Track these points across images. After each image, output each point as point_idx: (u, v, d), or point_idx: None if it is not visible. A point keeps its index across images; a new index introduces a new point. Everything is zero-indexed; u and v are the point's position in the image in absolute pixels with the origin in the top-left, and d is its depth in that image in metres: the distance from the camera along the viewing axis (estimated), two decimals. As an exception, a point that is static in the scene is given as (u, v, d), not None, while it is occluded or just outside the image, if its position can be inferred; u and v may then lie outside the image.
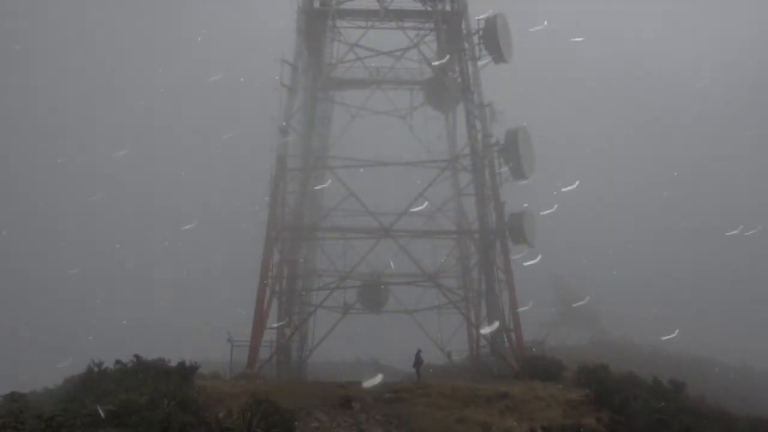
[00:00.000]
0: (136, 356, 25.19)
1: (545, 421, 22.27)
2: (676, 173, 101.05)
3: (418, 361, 32.20)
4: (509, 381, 29.43)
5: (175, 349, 27.80)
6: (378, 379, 28.38)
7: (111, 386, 21.93)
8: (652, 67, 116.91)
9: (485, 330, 36.26)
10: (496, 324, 35.14)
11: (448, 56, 40.18)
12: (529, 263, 35.25)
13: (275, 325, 35.75)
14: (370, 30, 41.10)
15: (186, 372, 24.88)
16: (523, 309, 34.22)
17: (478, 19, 39.34)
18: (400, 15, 40.41)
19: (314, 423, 22.19)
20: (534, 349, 34.31)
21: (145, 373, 23.56)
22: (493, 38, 38.67)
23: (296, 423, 20.95)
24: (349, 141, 43.56)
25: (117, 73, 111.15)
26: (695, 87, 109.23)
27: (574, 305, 61.96)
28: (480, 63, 39.37)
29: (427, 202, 39.06)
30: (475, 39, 39.38)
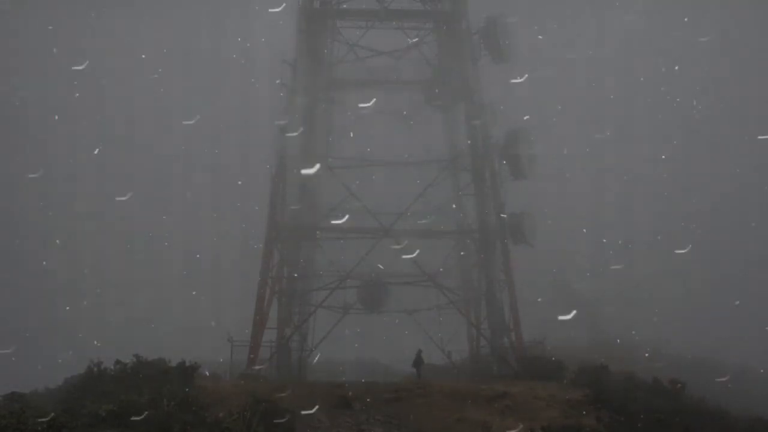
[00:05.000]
0: (136, 356, 25.19)
1: (545, 421, 22.28)
2: (665, 175, 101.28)
3: (418, 361, 32.22)
4: (509, 381, 29.45)
5: (175, 349, 27.82)
6: None
7: (111, 386, 21.95)
8: (652, 67, 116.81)
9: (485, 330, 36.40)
10: (496, 324, 35.26)
11: (448, 56, 40.21)
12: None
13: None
14: (370, 30, 41.12)
15: (186, 372, 24.89)
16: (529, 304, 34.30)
17: (479, 20, 39.37)
18: (400, 15, 40.37)
19: (314, 423, 22.20)
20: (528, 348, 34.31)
21: (145, 373, 23.57)
22: (493, 38, 38.67)
23: (296, 423, 20.96)
24: (349, 141, 43.56)
25: (116, 72, 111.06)
26: (695, 88, 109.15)
27: (574, 305, 62.02)
28: (480, 63, 39.38)
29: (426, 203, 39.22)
30: (475, 39, 39.38)
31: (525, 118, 38.77)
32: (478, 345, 39.16)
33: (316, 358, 39.73)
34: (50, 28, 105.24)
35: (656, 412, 22.42)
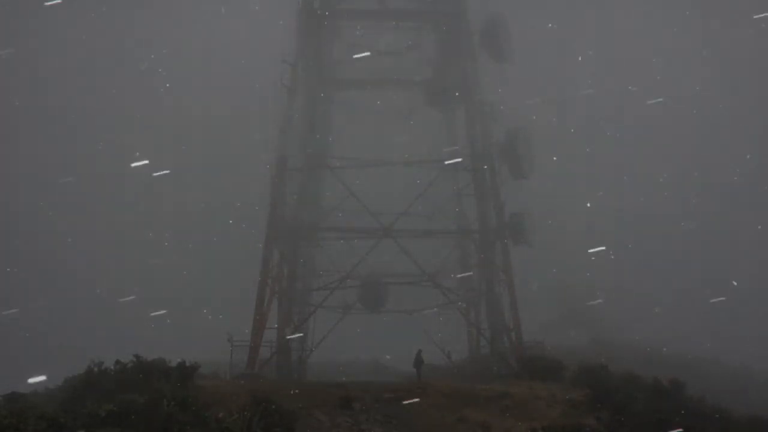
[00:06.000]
0: (136, 356, 25.16)
1: (545, 421, 22.30)
2: (665, 175, 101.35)
3: (418, 361, 32.23)
4: (509, 381, 29.46)
5: (175, 349, 27.81)
6: None
7: (111, 386, 21.95)
8: (652, 67, 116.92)
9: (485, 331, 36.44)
10: (496, 324, 35.30)
11: (448, 56, 40.24)
12: None
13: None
14: (370, 30, 41.15)
15: (186, 372, 24.86)
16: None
17: (479, 20, 39.38)
18: (400, 15, 40.43)
19: (314, 423, 22.20)
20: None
21: (145, 373, 23.56)
22: (494, 38, 38.68)
23: (296, 423, 20.96)
24: (349, 141, 43.54)
25: (116, 72, 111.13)
26: (695, 88, 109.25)
27: (574, 305, 62.11)
28: (480, 63, 39.39)
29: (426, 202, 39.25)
30: (475, 39, 39.38)
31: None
32: (478, 345, 39.17)
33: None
34: (49, 26, 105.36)
35: (656, 412, 22.43)
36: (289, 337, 36.56)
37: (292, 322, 37.99)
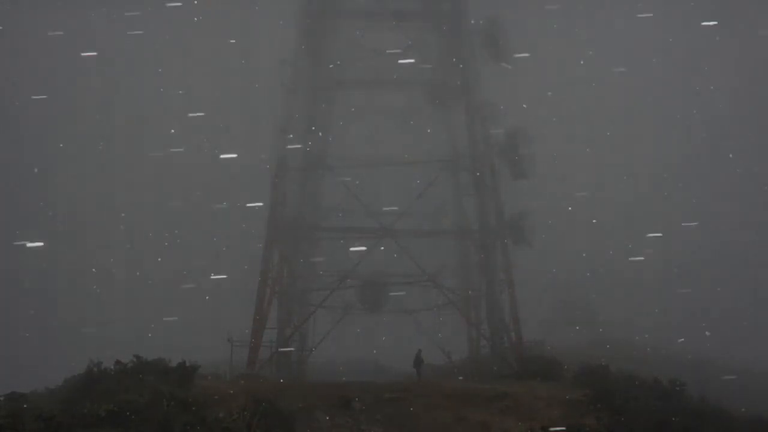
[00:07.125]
0: (136, 356, 25.18)
1: (545, 421, 22.31)
2: (665, 174, 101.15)
3: (418, 361, 32.24)
4: (509, 381, 29.46)
5: (175, 349, 27.81)
6: None
7: (111, 386, 21.96)
8: (652, 67, 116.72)
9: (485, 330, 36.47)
10: (496, 324, 35.32)
11: (448, 56, 40.26)
12: None
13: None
14: (370, 30, 41.16)
15: (186, 372, 24.89)
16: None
17: (479, 20, 39.41)
18: (401, 15, 40.41)
19: (314, 423, 22.22)
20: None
21: (145, 373, 23.59)
22: (494, 38, 38.69)
23: (296, 423, 20.98)
24: (349, 141, 43.54)
25: (116, 72, 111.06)
26: (695, 87, 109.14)
27: (574, 305, 62.09)
28: (480, 63, 39.39)
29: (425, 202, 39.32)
30: (475, 39, 39.38)
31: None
32: (478, 345, 39.17)
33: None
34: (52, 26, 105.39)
35: (656, 412, 22.43)
36: (288, 336, 36.59)
37: (292, 322, 38.01)
